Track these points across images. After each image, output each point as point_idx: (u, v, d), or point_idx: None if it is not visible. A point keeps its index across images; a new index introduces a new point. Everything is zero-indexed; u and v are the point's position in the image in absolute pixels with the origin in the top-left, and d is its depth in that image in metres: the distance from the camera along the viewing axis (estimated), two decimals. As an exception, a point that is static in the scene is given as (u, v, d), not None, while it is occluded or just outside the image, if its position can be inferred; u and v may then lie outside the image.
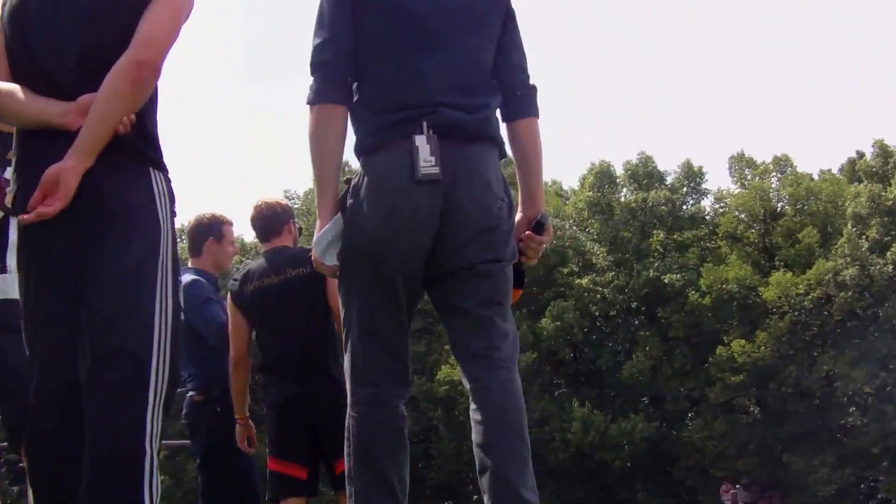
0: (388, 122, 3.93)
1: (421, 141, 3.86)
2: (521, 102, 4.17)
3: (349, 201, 3.97)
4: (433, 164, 3.84)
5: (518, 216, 4.22)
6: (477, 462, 3.88)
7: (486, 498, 3.82)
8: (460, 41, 4.01)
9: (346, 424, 4.03)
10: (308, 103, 4.00)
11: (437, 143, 3.87)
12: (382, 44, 3.98)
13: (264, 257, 6.55)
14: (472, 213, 3.91)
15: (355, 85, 4.03)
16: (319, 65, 3.97)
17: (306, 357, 6.26)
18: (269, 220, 6.58)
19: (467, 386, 3.98)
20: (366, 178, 3.94)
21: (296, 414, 6.25)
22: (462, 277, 3.98)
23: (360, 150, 4.02)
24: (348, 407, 4.04)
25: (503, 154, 4.12)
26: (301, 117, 4.01)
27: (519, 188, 4.26)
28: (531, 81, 4.22)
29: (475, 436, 3.89)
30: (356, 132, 4.04)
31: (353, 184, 4.00)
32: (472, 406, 3.94)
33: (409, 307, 4.06)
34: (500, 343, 3.98)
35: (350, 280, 4.03)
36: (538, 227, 4.20)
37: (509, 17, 4.17)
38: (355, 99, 4.02)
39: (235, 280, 6.51)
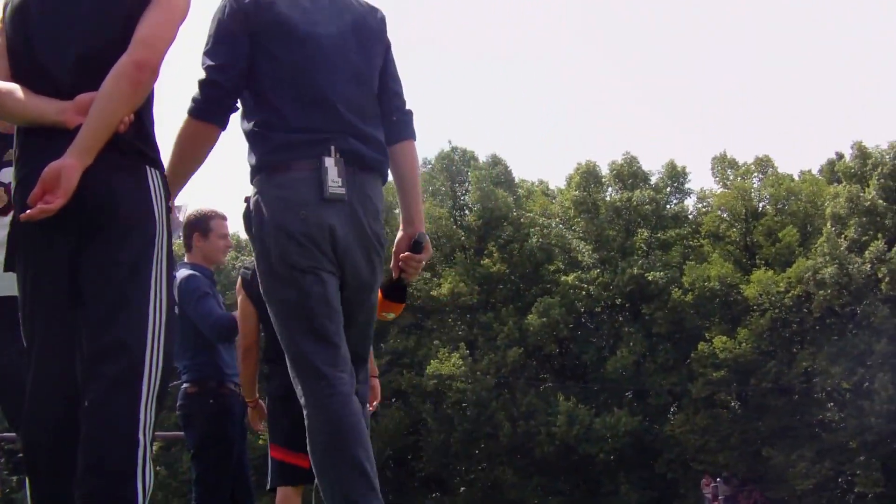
0: (295, 143, 4.01)
1: (329, 163, 3.97)
2: (398, 126, 4.29)
3: (253, 217, 4.08)
4: (340, 185, 3.98)
5: (399, 234, 4.36)
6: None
7: None
8: (356, 68, 4.15)
9: (306, 425, 4.05)
10: (188, 112, 4.04)
11: (343, 165, 4.01)
12: (283, 67, 4.04)
13: None
14: (362, 236, 4.08)
15: (249, 104, 4.12)
16: (209, 83, 4.00)
17: None
18: None
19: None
20: (270, 195, 4.02)
21: (297, 405, 6.20)
22: (346, 291, 4.15)
23: (261, 167, 4.07)
24: (303, 407, 4.07)
25: (385, 180, 4.28)
26: None
27: (400, 208, 4.40)
28: (407, 107, 4.37)
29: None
30: (255, 150, 4.09)
31: (252, 201, 4.10)
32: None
33: (337, 296, 4.11)
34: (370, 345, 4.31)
35: (274, 292, 4.11)
36: (416, 245, 4.32)
37: (387, 48, 4.32)
38: (252, 120, 4.10)
39: (247, 269, 6.48)
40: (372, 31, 4.26)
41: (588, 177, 51.84)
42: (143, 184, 3.46)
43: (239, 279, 6.54)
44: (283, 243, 3.98)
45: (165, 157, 3.73)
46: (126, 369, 3.32)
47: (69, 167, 3.24)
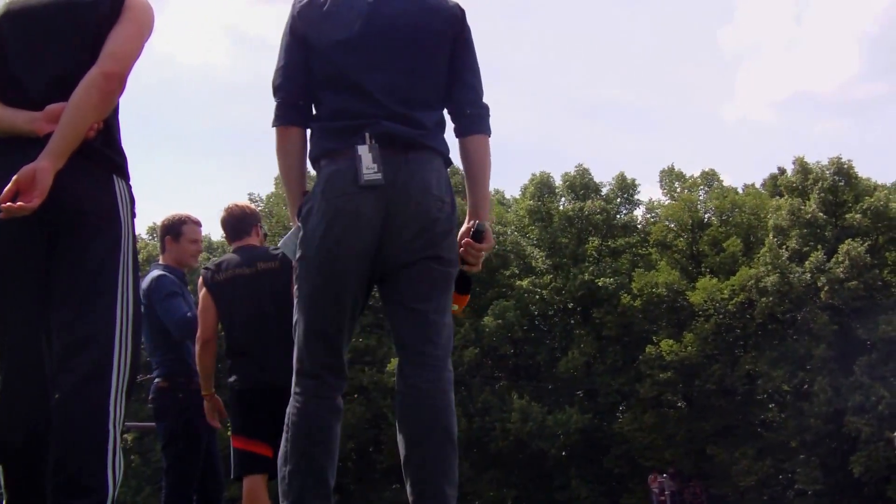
0: (332, 134, 3.97)
1: (363, 150, 3.87)
2: (470, 121, 4.15)
3: (304, 207, 4.00)
4: (375, 170, 3.86)
5: (463, 227, 4.23)
6: (402, 453, 3.87)
7: (408, 487, 3.81)
8: (402, 60, 4.02)
9: (287, 411, 3.98)
10: (271, 125, 4.11)
11: (378, 151, 3.88)
12: (329, 65, 4.00)
13: (236, 252, 6.57)
14: (412, 214, 3.91)
15: (314, 104, 4.11)
16: (274, 90, 4.10)
17: (271, 345, 6.18)
18: (239, 220, 6.66)
19: (398, 378, 3.97)
20: (316, 186, 3.96)
21: (258, 398, 6.20)
22: (402, 274, 3.98)
23: (311, 161, 4.06)
24: (291, 396, 4.01)
25: (448, 162, 4.12)
26: (265, 124, 4.14)
27: (467, 199, 4.22)
28: (483, 101, 4.21)
29: (402, 428, 3.89)
30: (311, 142, 4.08)
31: (309, 192, 4.05)
32: (401, 398, 3.93)
33: (354, 307, 4.01)
34: (435, 338, 3.96)
35: (301, 279, 4.00)
36: (476, 234, 4.18)
37: (460, 41, 4.15)
38: (315, 114, 4.10)
39: (208, 268, 6.54)
40: (429, 22, 4.09)
41: (542, 187, 51.80)
42: (109, 189, 3.51)
43: (200, 276, 6.58)
44: (318, 231, 3.91)
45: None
46: (96, 364, 3.35)
47: (42, 169, 3.25)
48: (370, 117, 3.92)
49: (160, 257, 7.38)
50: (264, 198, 52.91)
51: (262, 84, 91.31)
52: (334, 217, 3.86)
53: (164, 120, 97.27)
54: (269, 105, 4.11)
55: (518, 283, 48.99)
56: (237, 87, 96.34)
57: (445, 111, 4.16)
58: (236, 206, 6.75)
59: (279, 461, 3.97)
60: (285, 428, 3.96)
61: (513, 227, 51.91)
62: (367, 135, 3.89)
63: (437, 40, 4.09)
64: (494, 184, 55.94)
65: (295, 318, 4.07)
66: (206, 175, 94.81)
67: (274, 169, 71.15)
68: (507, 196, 57.14)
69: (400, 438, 3.88)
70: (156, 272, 7.03)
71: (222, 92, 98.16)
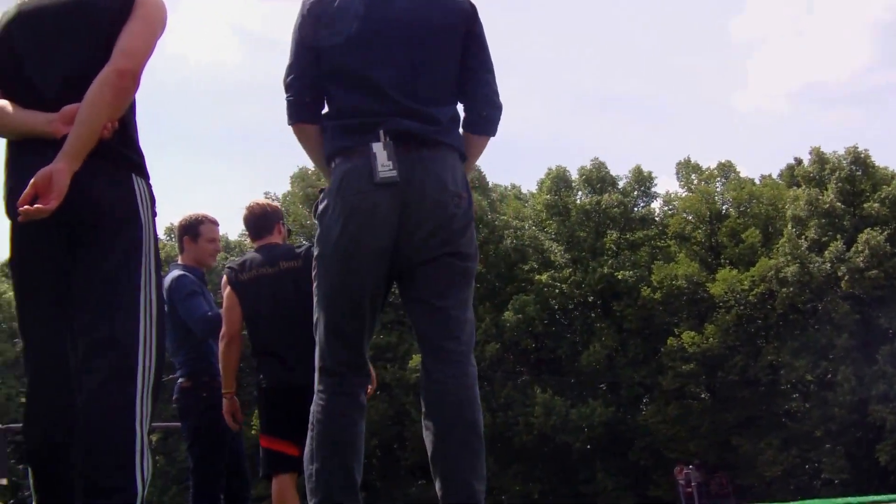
0: (347, 131, 3.95)
1: (378, 148, 3.85)
2: (486, 122, 4.17)
3: (320, 205, 4.00)
4: (391, 168, 3.83)
5: None
6: (429, 449, 3.85)
7: (436, 483, 3.79)
8: (411, 55, 3.99)
9: (312, 409, 3.99)
10: (287, 123, 4.12)
11: (393, 148, 3.86)
12: (340, 60, 3.98)
13: (258, 251, 6.53)
14: (428, 211, 3.89)
15: (325, 99, 4.09)
16: (285, 87, 4.09)
17: (295, 344, 6.12)
18: (261, 219, 6.62)
19: (422, 374, 3.96)
20: (332, 184, 3.95)
21: (284, 397, 6.16)
22: (421, 271, 3.96)
23: (326, 158, 4.04)
24: (315, 394, 4.01)
25: (463, 156, 4.09)
26: (278, 122, 4.14)
27: None
28: (499, 100, 4.19)
29: (427, 424, 3.87)
30: (325, 139, 4.06)
31: (325, 189, 4.04)
32: (425, 394, 3.91)
33: (373, 304, 4.00)
34: (457, 333, 3.95)
35: (320, 277, 4.01)
36: None
37: (471, 36, 4.12)
38: (324, 112, 4.09)
39: (231, 268, 6.51)
40: (438, 17, 4.07)
41: (558, 181, 51.69)
42: (128, 188, 3.49)
43: (224, 276, 6.55)
44: (335, 229, 3.90)
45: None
46: (121, 364, 3.33)
47: (60, 171, 3.22)
48: (383, 114, 3.90)
49: (178, 257, 7.36)
50: (280, 196, 52.91)
51: (273, 83, 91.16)
52: (350, 215, 3.85)
53: (177, 120, 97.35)
54: (281, 103, 4.11)
55: (537, 277, 48.79)
56: (250, 86, 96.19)
57: (459, 105, 4.15)
58: (258, 204, 6.74)
59: (305, 459, 3.95)
60: (310, 426, 3.96)
61: (530, 222, 51.81)
62: (381, 132, 3.87)
63: (446, 36, 4.07)
64: (510, 178, 55.84)
65: (315, 316, 4.06)
66: (221, 175, 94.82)
67: (290, 167, 71.21)
68: (524, 191, 56.99)
69: (426, 434, 3.86)
70: (176, 272, 7.01)
71: (233, 91, 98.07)
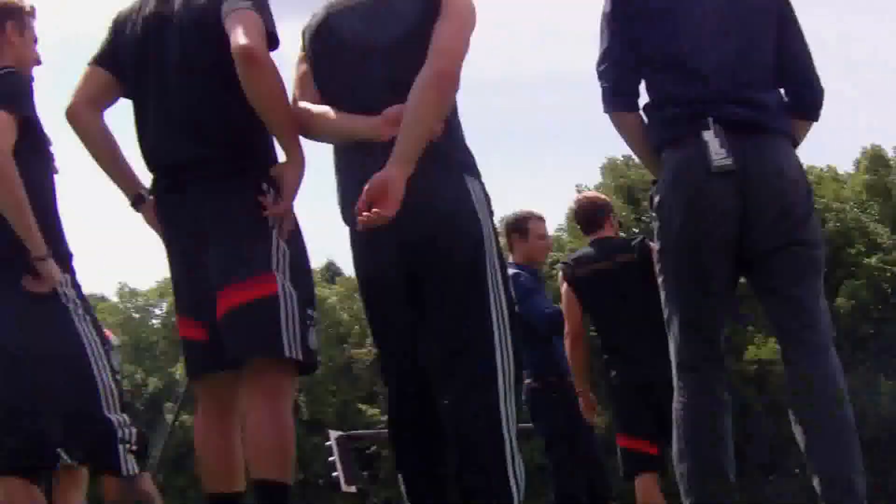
0: (673, 121, 3.87)
1: (709, 136, 3.75)
2: (807, 106, 4.08)
3: (656, 197, 3.92)
4: (725, 155, 3.73)
5: None
6: (801, 444, 3.75)
7: (814, 479, 3.65)
8: (734, 40, 3.90)
9: (673, 407, 3.93)
10: (603, 111, 4.06)
11: (724, 135, 3.75)
12: (660, 48, 3.92)
13: (592, 246, 6.53)
14: (768, 199, 3.78)
15: (644, 86, 4.02)
16: (599, 75, 4.02)
17: (639, 339, 6.05)
18: (591, 213, 6.61)
19: (786, 367, 3.84)
20: (665, 175, 3.88)
21: (635, 394, 6.14)
22: (769, 261, 3.85)
23: (655, 146, 3.95)
24: (675, 390, 3.94)
25: (795, 143, 3.99)
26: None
27: None
28: (821, 84, 4.08)
29: (796, 419, 3.75)
30: (650, 129, 3.98)
31: (658, 180, 3.96)
32: (790, 387, 3.81)
33: (724, 296, 3.92)
34: (814, 323, 3.80)
35: (667, 273, 3.96)
36: None
37: (783, 17, 4.03)
38: (647, 100, 4.00)
39: (567, 263, 6.55)
40: (753, 0, 3.99)
41: (875, 160, 49.95)
42: (463, 189, 3.49)
43: (560, 272, 6.59)
44: (675, 222, 3.83)
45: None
46: (479, 370, 3.37)
47: (394, 178, 3.24)
48: (710, 102, 3.81)
49: (510, 256, 7.26)
50: (592, 188, 52.97)
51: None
52: (689, 207, 3.78)
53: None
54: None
55: (865, 261, 46.87)
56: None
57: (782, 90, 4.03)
58: (585, 198, 6.75)
59: (675, 459, 3.91)
60: (674, 425, 3.91)
61: (851, 203, 50.01)
62: (710, 120, 3.77)
63: (763, 18, 3.98)
64: (826, 160, 54.41)
65: (666, 312, 3.99)
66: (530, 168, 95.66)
67: (598, 158, 70.79)
68: (840, 171, 55.14)
69: (797, 430, 3.75)
70: (511, 271, 6.92)
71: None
